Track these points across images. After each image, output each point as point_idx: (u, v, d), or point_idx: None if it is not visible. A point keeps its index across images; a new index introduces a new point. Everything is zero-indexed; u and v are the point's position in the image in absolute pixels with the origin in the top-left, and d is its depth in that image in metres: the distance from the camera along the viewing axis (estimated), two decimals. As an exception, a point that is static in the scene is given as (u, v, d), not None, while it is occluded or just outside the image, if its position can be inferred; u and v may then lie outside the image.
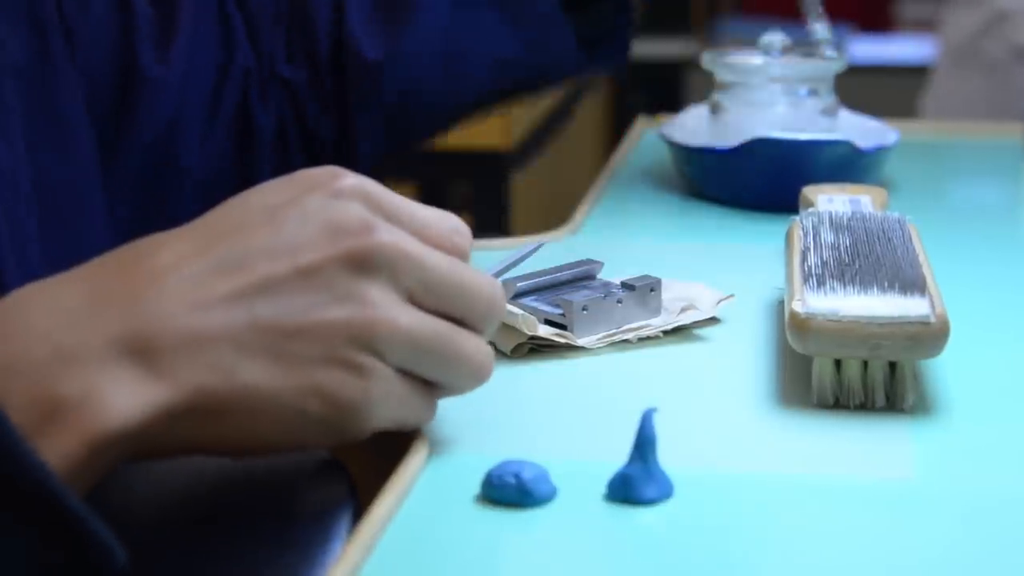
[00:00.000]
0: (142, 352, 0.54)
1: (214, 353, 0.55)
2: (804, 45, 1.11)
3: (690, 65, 3.57)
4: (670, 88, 3.51)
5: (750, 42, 1.07)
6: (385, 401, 0.58)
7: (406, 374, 0.59)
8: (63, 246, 0.74)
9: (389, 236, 0.58)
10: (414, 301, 0.58)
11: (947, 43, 2.26)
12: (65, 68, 0.83)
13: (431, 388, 0.60)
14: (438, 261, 0.59)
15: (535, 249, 0.74)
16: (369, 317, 0.57)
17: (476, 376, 0.61)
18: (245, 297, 0.56)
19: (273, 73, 0.96)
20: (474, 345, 0.60)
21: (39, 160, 0.80)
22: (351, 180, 0.59)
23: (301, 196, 0.58)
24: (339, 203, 0.58)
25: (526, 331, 0.72)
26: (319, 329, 0.56)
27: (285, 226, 0.57)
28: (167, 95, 0.90)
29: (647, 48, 3.70)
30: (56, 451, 0.52)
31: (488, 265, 0.68)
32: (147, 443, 0.55)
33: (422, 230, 0.60)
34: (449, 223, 0.61)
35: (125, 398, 0.53)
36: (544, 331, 0.74)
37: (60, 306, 0.55)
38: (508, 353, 0.73)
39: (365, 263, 0.57)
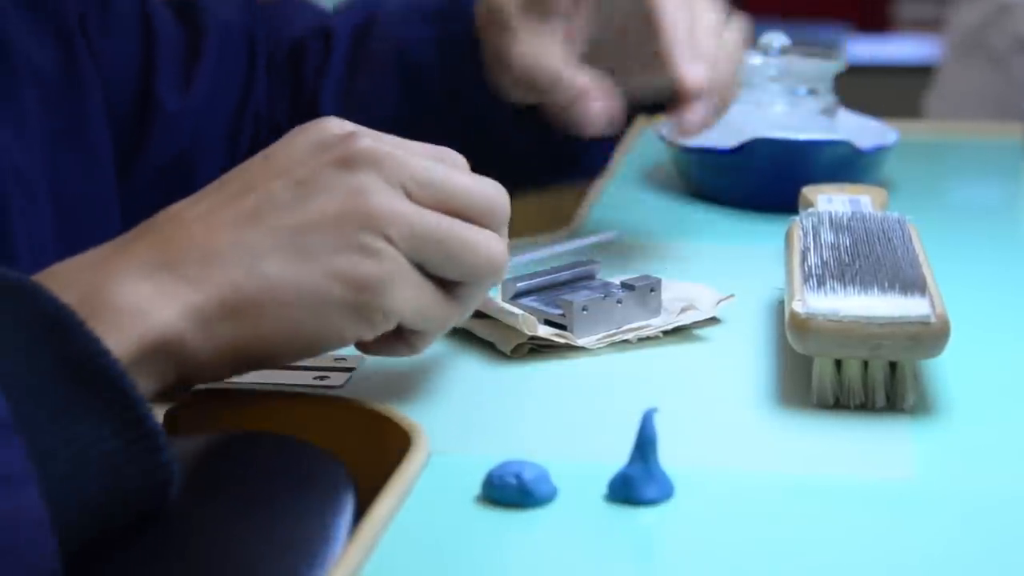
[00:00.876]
0: (171, 266, 0.59)
1: (235, 257, 0.60)
2: (803, 45, 1.11)
3: (689, 65, 3.56)
4: (669, 88, 3.50)
5: (748, 42, 1.07)
6: (401, 282, 0.61)
7: (423, 272, 0.62)
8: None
9: (370, 141, 0.62)
10: (414, 199, 0.62)
11: (951, 38, 2.26)
12: (91, 80, 0.86)
13: (451, 286, 0.64)
14: (425, 162, 0.63)
15: (609, 238, 0.78)
16: (368, 202, 0.61)
17: (490, 264, 0.64)
18: (253, 214, 0.61)
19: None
20: (483, 235, 0.64)
21: (61, 169, 0.83)
22: (337, 120, 0.64)
23: (290, 138, 0.64)
24: (323, 130, 0.63)
25: (526, 331, 0.72)
26: (325, 221, 0.61)
27: (277, 159, 0.63)
28: (183, 126, 0.93)
29: (646, 48, 3.70)
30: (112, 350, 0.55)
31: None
32: (192, 353, 0.59)
33: (409, 145, 0.64)
34: (442, 150, 0.65)
35: (163, 302, 0.58)
36: (544, 331, 0.73)
37: (92, 254, 0.61)
38: (508, 353, 0.73)
39: (353, 162, 0.62)
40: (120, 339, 0.56)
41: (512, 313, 0.73)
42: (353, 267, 0.60)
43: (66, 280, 0.58)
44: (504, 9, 0.87)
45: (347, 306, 0.61)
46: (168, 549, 0.58)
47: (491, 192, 0.65)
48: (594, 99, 0.84)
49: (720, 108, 0.84)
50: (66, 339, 0.54)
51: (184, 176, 0.93)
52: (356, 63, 0.96)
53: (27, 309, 0.54)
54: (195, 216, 0.61)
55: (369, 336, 0.63)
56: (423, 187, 0.62)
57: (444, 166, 0.64)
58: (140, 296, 0.58)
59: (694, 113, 0.78)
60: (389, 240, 0.61)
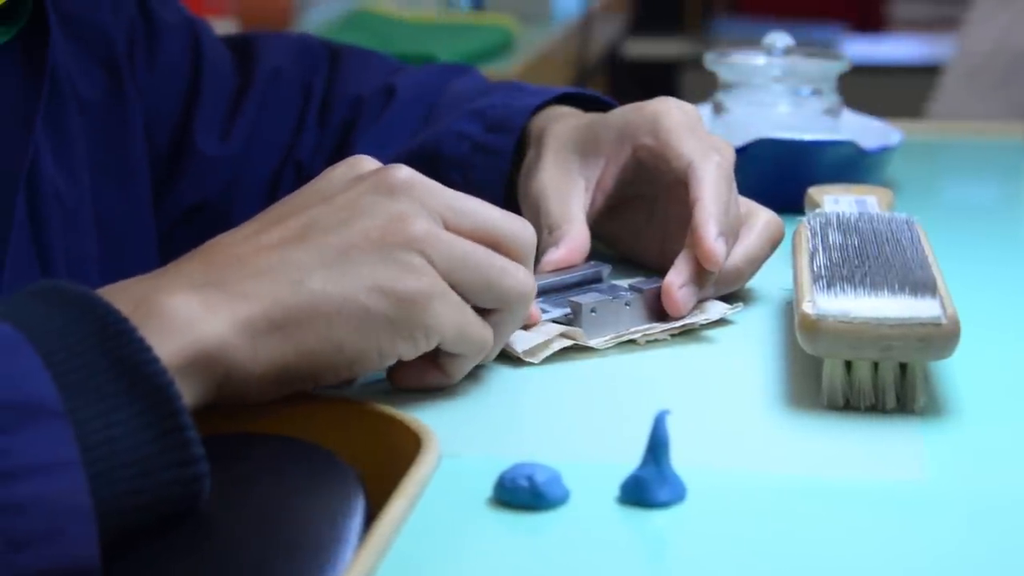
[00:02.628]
0: (218, 283, 0.61)
1: (280, 274, 0.61)
2: (806, 45, 1.11)
3: (685, 65, 3.57)
4: (665, 88, 3.50)
5: (745, 42, 1.07)
6: (442, 299, 0.63)
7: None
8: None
9: (406, 172, 0.65)
10: (449, 227, 0.65)
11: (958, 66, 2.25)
12: (134, 110, 0.89)
13: (484, 314, 0.66)
14: (459, 193, 0.66)
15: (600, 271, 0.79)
16: (409, 226, 0.63)
17: (521, 293, 0.66)
18: (298, 235, 0.63)
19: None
20: (512, 265, 0.66)
21: (102, 192, 0.86)
22: (368, 157, 0.67)
23: (326, 173, 0.67)
24: (358, 163, 0.67)
25: (534, 361, 0.72)
26: (368, 241, 0.63)
27: (317, 190, 0.65)
28: (219, 171, 0.95)
29: (641, 48, 3.70)
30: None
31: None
32: (237, 367, 0.60)
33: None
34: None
35: (211, 314, 0.59)
36: (552, 329, 0.73)
37: (142, 276, 0.62)
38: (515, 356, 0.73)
39: (393, 189, 0.64)
40: (167, 347, 0.57)
41: (513, 348, 0.72)
42: (395, 282, 0.62)
43: (116, 293, 0.59)
44: (552, 140, 0.86)
45: (389, 321, 0.62)
46: (177, 550, 0.57)
47: (519, 226, 0.67)
48: (561, 249, 0.79)
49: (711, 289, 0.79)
50: (118, 342, 0.55)
51: (218, 218, 0.95)
52: (393, 131, 0.97)
53: (82, 313, 0.55)
54: (239, 240, 0.63)
55: (410, 354, 0.64)
56: (458, 216, 0.65)
57: (476, 199, 0.66)
58: (189, 308, 0.59)
59: (686, 293, 0.76)
60: (429, 260, 0.63)
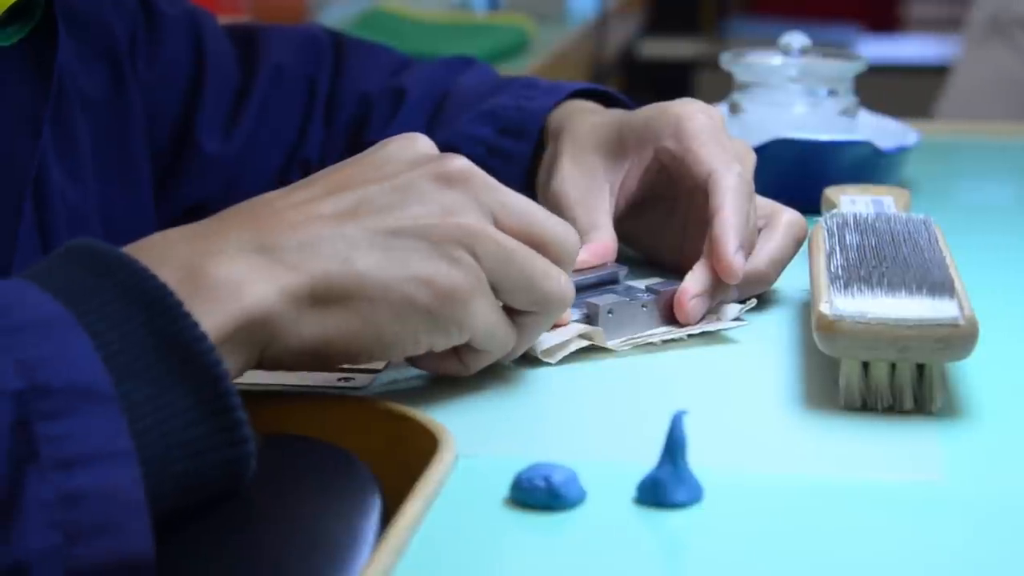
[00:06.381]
0: (268, 249, 0.60)
1: (331, 248, 0.61)
2: (821, 45, 1.11)
3: (699, 65, 3.57)
4: (679, 89, 3.50)
5: (760, 42, 1.07)
6: (482, 298, 0.64)
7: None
8: None
9: (464, 162, 0.65)
10: (499, 224, 0.65)
11: (970, 31, 2.27)
12: (136, 106, 0.88)
13: (515, 315, 0.67)
14: (509, 190, 0.66)
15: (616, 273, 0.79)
16: (461, 219, 0.63)
17: (560, 297, 0.66)
18: (351, 210, 0.62)
19: None
20: (555, 269, 0.66)
21: (107, 192, 0.85)
22: (426, 138, 0.67)
23: (383, 145, 0.66)
24: (416, 144, 0.66)
25: (552, 362, 0.72)
26: (419, 230, 0.62)
27: (373, 165, 0.65)
28: (221, 170, 0.95)
29: (656, 48, 3.70)
30: (206, 325, 0.55)
31: None
32: (276, 337, 0.59)
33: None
34: None
35: (259, 281, 0.59)
36: (573, 330, 0.73)
37: (191, 230, 0.61)
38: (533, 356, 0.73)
39: (450, 179, 0.64)
40: (216, 315, 0.57)
41: (533, 348, 0.72)
42: (440, 275, 0.62)
43: (162, 255, 0.58)
44: (573, 138, 0.86)
45: (428, 313, 0.62)
46: (194, 550, 0.57)
47: (564, 230, 0.67)
48: (583, 252, 0.77)
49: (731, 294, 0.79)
50: (165, 319, 0.54)
51: None
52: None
53: (128, 287, 0.55)
54: (290, 204, 0.62)
55: (442, 346, 0.64)
56: (509, 214, 0.65)
57: (526, 198, 0.66)
58: (237, 275, 0.58)
59: (697, 303, 0.75)
60: (475, 257, 0.63)
